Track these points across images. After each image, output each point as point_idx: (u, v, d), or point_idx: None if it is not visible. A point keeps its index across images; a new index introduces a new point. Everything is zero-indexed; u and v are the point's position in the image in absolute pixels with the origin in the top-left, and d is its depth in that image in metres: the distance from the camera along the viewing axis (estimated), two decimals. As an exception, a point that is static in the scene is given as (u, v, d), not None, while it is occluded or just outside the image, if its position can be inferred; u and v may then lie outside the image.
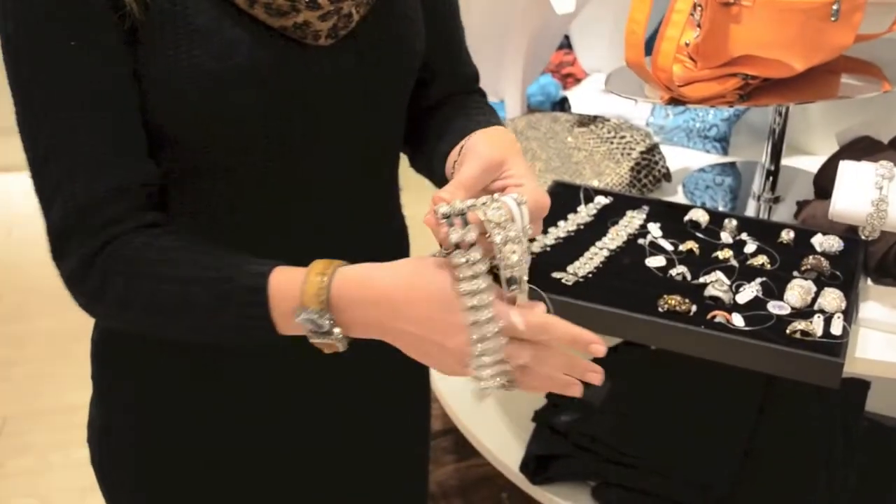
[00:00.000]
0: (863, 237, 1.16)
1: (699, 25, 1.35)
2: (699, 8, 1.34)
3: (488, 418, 1.76)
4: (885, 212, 1.11)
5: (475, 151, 0.80)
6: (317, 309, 0.72)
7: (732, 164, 1.79)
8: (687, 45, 1.39)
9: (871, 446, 1.64)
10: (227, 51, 0.76)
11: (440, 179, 0.91)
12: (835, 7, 1.29)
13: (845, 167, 1.17)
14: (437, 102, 0.99)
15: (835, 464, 1.55)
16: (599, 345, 0.71)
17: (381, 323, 0.73)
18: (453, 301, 0.69)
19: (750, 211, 1.59)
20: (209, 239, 0.80)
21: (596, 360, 0.74)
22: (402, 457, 1.11)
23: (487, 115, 0.95)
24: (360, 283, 0.73)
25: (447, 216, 0.70)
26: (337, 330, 0.73)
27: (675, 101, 1.35)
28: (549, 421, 1.64)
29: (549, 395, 1.69)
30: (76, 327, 1.12)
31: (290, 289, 0.73)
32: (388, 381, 1.02)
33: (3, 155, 3.71)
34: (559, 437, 1.62)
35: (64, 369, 2.63)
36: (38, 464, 2.33)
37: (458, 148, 0.86)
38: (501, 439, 1.70)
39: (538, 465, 1.60)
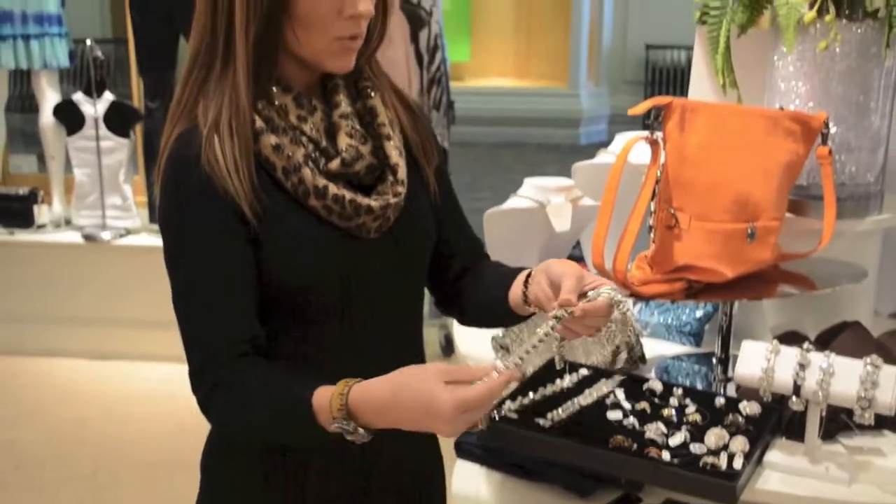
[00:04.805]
0: (762, 397, 1.56)
1: (652, 241, 1.82)
2: (651, 228, 1.81)
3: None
4: (772, 378, 1.51)
5: (562, 272, 1.22)
6: (341, 417, 1.13)
7: (699, 352, 2.19)
8: (646, 255, 1.85)
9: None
10: (312, 246, 1.24)
11: (500, 315, 1.37)
12: (749, 231, 1.75)
13: (745, 346, 1.59)
14: (461, 271, 1.45)
15: None
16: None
17: (385, 418, 1.13)
18: (430, 394, 1.09)
19: (710, 387, 1.98)
20: (291, 364, 1.26)
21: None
22: None
23: (505, 267, 1.41)
24: (365, 393, 1.13)
25: (559, 318, 1.18)
26: (361, 430, 1.14)
27: (633, 296, 1.80)
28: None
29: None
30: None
31: (325, 405, 1.14)
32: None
33: (103, 344, 4.23)
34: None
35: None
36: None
37: (521, 278, 1.31)
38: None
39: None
